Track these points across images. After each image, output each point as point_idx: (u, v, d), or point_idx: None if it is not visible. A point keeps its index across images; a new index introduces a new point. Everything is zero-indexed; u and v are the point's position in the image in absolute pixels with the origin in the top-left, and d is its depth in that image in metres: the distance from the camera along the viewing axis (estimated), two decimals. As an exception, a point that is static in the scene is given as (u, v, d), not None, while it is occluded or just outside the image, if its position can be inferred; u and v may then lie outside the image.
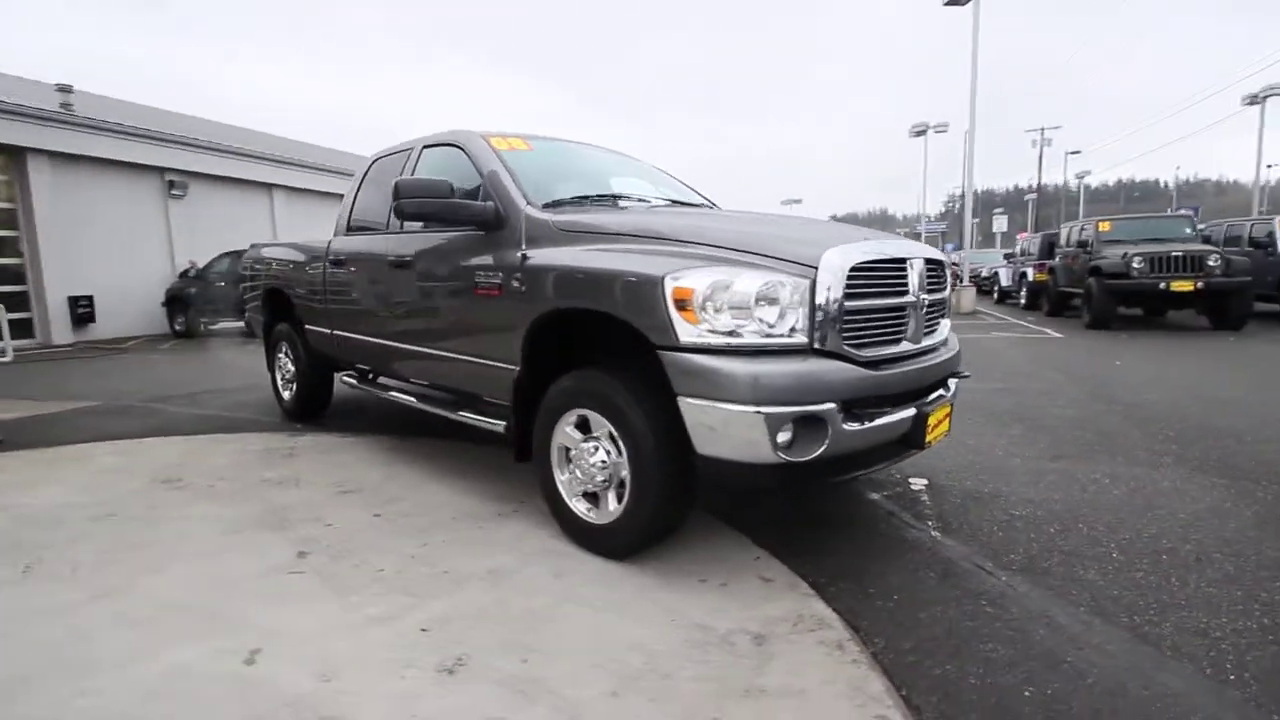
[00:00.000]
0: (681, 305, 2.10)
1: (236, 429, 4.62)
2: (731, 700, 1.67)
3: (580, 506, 2.57)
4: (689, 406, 2.11)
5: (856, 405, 2.16)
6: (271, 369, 5.06)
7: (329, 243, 4.13)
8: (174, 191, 13.76)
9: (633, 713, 1.63)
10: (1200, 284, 8.81)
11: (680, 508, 2.40)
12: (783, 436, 2.01)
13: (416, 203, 2.82)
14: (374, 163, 4.00)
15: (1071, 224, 12.43)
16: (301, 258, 4.48)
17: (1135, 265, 9.14)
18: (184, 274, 13.14)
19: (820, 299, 2.12)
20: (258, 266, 5.19)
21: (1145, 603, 2.11)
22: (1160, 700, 1.64)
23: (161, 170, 13.58)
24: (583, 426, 2.53)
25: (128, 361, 9.33)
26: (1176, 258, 9.02)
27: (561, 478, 2.62)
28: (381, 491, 3.27)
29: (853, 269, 2.18)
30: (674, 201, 3.30)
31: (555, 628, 2.02)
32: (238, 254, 12.64)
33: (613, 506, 2.44)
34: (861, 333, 2.26)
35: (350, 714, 1.64)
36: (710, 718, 1.61)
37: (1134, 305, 9.80)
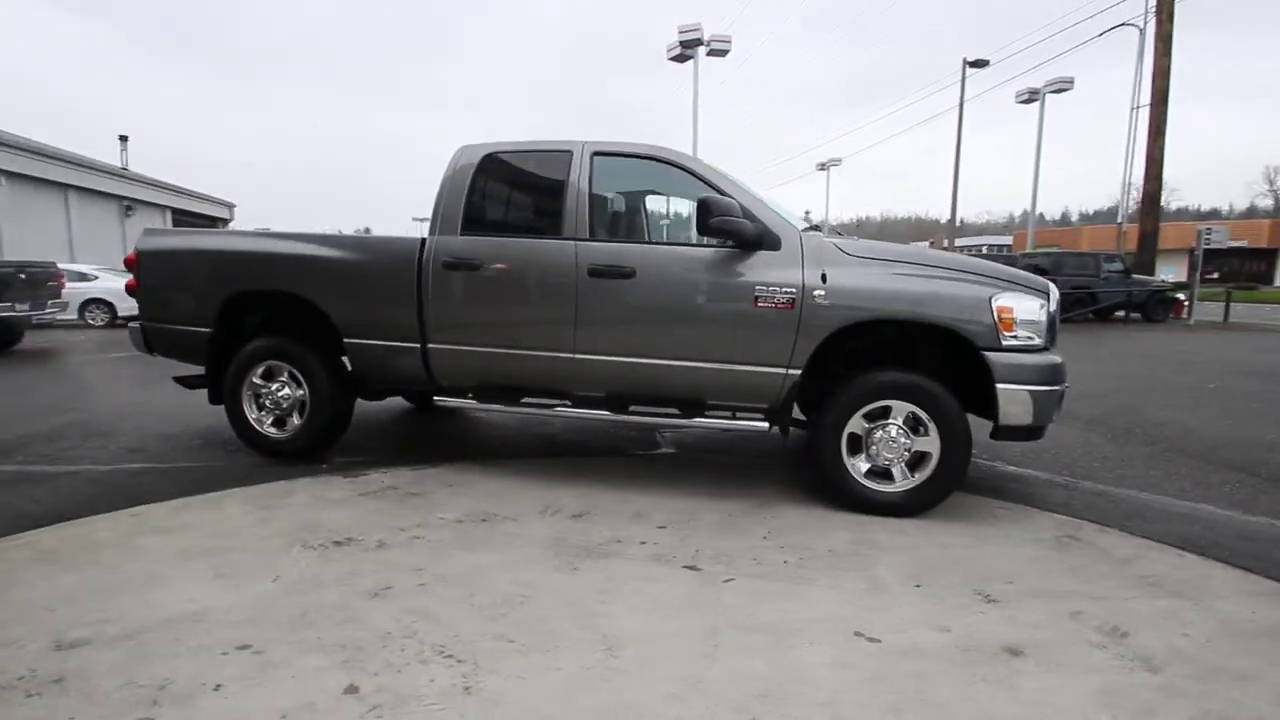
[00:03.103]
0: (1000, 318, 2.98)
1: (236, 482, 3.51)
2: (1110, 566, 2.67)
3: (869, 482, 3.18)
4: (1004, 390, 3.01)
5: (1060, 384, 3.34)
6: (237, 401, 3.87)
7: (424, 240, 3.56)
8: None
9: (1061, 585, 2.50)
10: None
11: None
12: (1053, 406, 3.07)
13: (723, 221, 3.01)
14: (485, 157, 3.62)
15: None
16: (352, 256, 3.70)
17: None
18: None
19: (1051, 313, 3.22)
20: (194, 264, 3.92)
21: (1152, 482, 3.78)
22: (1225, 518, 3.21)
23: None
24: (868, 417, 3.16)
25: None
26: None
27: (851, 461, 3.18)
28: (603, 510, 3.23)
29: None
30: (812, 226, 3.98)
31: (967, 564, 2.69)
32: None
33: (907, 477, 3.15)
34: (1046, 337, 3.45)
35: (1017, 641, 2.11)
36: (1111, 570, 2.58)
37: None
